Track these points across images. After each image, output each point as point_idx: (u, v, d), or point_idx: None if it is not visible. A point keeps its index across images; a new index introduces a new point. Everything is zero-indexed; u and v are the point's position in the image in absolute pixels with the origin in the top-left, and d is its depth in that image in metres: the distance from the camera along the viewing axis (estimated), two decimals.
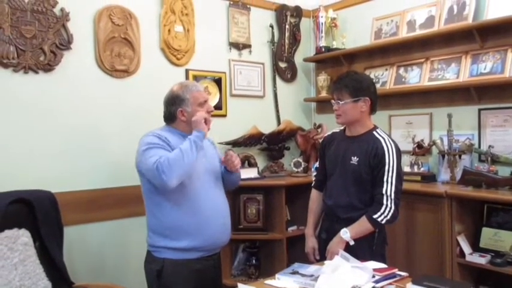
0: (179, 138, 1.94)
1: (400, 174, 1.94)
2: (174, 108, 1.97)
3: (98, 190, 2.54)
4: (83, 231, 2.49)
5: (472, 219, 2.50)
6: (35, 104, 2.37)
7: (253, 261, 3.15)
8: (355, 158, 1.99)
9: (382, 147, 1.94)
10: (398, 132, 3.09)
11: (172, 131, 1.99)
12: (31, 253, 1.99)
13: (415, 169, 2.83)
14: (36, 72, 2.37)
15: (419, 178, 2.79)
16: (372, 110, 2.03)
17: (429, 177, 2.78)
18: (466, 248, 2.40)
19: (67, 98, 2.48)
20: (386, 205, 1.90)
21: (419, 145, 2.83)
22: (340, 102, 2.00)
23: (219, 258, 2.10)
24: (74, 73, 2.50)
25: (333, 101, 2.05)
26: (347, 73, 2.12)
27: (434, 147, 2.80)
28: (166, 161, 1.77)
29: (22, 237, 1.96)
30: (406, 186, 2.64)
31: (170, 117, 2.01)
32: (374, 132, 2.01)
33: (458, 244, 2.40)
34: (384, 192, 1.91)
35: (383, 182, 1.91)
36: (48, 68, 2.41)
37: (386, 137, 1.99)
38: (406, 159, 2.92)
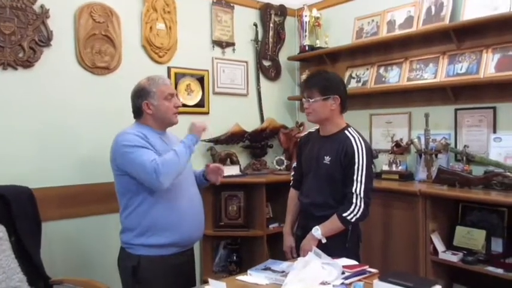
0: (154, 136, 1.95)
1: (370, 173, 1.97)
2: (140, 101, 1.97)
3: (76, 186, 2.56)
4: (61, 226, 2.50)
5: (446, 217, 2.53)
6: (14, 100, 2.38)
7: (234, 257, 3.18)
8: (328, 157, 2.02)
9: (352, 146, 1.97)
10: (378, 131, 3.13)
11: (144, 128, 1.98)
12: (5, 247, 2.00)
13: (393, 168, 2.87)
14: (15, 69, 2.38)
15: (397, 177, 2.83)
16: (342, 108, 2.06)
17: (407, 176, 2.82)
18: (440, 246, 2.44)
19: (47, 94, 2.48)
20: (356, 204, 1.93)
21: (398, 144, 2.87)
22: (310, 100, 2.02)
23: (192, 254, 2.12)
24: (53, 70, 2.51)
25: (303, 99, 2.08)
26: (317, 72, 2.15)
27: (412, 146, 2.84)
28: (163, 163, 1.79)
29: None
30: (383, 184, 2.73)
31: (137, 112, 2.01)
32: (346, 131, 2.04)
33: (432, 242, 2.44)
34: (353, 191, 1.93)
35: (353, 180, 1.94)
36: (27, 64, 2.41)
37: (356, 136, 2.01)
38: (384, 158, 2.97)
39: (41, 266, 2.16)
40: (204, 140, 3.13)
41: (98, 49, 2.65)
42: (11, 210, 2.07)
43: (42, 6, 2.45)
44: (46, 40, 2.47)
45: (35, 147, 2.45)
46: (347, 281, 1.62)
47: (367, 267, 1.76)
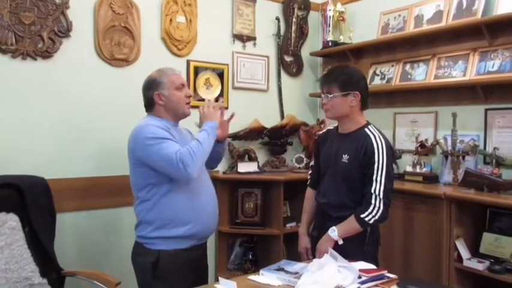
0: (172, 129, 1.91)
1: (390, 173, 1.87)
2: (151, 93, 1.95)
3: (92, 178, 2.55)
4: (76, 218, 2.51)
5: (472, 223, 2.41)
6: (32, 90, 2.38)
7: (250, 256, 3.14)
8: (346, 156, 1.93)
9: (372, 144, 1.88)
10: (402, 130, 3.01)
11: (158, 119, 1.94)
12: (19, 237, 2.01)
13: (417, 169, 2.75)
14: (35, 59, 2.39)
15: (421, 178, 2.71)
16: (363, 105, 1.97)
17: (431, 178, 2.69)
18: (464, 253, 2.31)
19: (65, 85, 2.48)
20: (375, 205, 1.84)
21: (422, 144, 2.75)
22: (329, 96, 1.94)
23: (206, 248, 2.09)
24: (72, 61, 2.50)
25: (322, 95, 2.00)
26: (337, 67, 2.07)
27: (437, 147, 2.72)
28: (187, 154, 1.76)
29: (10, 222, 1.97)
30: (406, 186, 2.62)
31: (149, 104, 1.98)
32: (365, 129, 1.94)
33: (457, 248, 2.32)
34: (372, 191, 1.85)
35: (372, 180, 1.85)
36: (46, 55, 2.41)
37: (377, 134, 1.92)
38: (408, 159, 2.86)
39: (53, 257, 2.15)
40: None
41: (117, 41, 2.64)
42: (25, 200, 2.06)
43: None
44: (65, 31, 2.47)
45: (52, 138, 2.45)
46: (363, 286, 1.55)
47: (385, 272, 1.68)
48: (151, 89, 1.95)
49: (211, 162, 2.17)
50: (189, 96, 1.99)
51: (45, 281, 2.06)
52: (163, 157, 1.77)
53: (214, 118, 1.93)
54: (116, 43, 2.64)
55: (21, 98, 2.35)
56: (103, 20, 2.58)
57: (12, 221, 1.99)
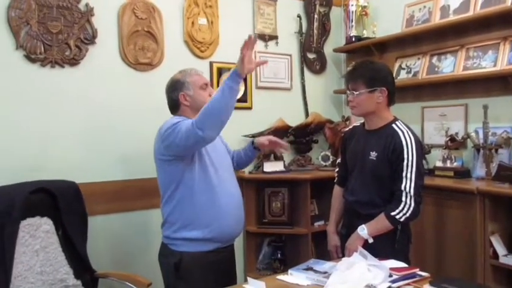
0: None
1: (420, 169, 1.83)
2: (176, 94, 1.97)
3: (120, 181, 2.59)
4: (107, 221, 2.56)
5: (508, 218, 2.32)
6: (61, 97, 2.45)
7: (279, 255, 3.12)
8: (374, 153, 1.90)
9: (401, 140, 1.83)
10: (431, 124, 2.93)
11: (182, 119, 1.95)
12: (53, 241, 2.07)
13: (448, 164, 2.67)
14: (62, 67, 2.45)
15: (452, 173, 2.63)
16: (390, 101, 1.92)
17: (463, 173, 2.61)
18: (501, 249, 2.23)
19: (92, 91, 2.54)
20: (405, 202, 1.80)
21: (452, 138, 2.67)
22: (355, 93, 1.91)
23: (233, 251, 2.09)
24: (98, 67, 2.55)
25: (347, 92, 1.97)
26: (362, 62, 2.02)
27: (469, 141, 2.63)
28: (201, 117, 1.70)
29: (44, 225, 2.04)
30: (436, 181, 2.55)
31: (174, 105, 2.00)
32: (393, 125, 1.90)
33: (492, 245, 2.24)
34: (402, 188, 1.81)
35: (402, 177, 1.81)
36: (73, 62, 2.47)
37: (405, 130, 1.88)
38: (438, 154, 2.78)
39: (86, 259, 2.21)
40: (247, 136, 3.09)
41: (140, 45, 2.68)
42: (58, 204, 2.12)
43: (87, 5, 2.50)
44: (91, 38, 2.52)
45: (81, 143, 2.51)
46: (394, 285, 1.51)
47: (417, 271, 1.64)
48: (176, 90, 1.97)
49: (241, 164, 2.18)
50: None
51: (79, 282, 2.12)
52: (183, 132, 1.75)
53: (243, 66, 1.74)
54: (140, 48, 2.68)
55: (50, 104, 2.42)
56: (127, 25, 2.63)
57: (46, 224, 2.05)
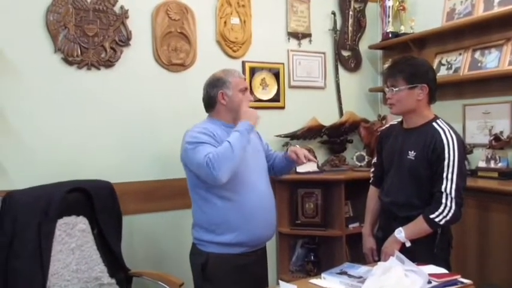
0: (223, 130, 1.92)
1: (462, 170, 1.73)
2: (215, 91, 1.96)
3: (154, 181, 2.62)
4: (141, 220, 2.59)
5: None
6: (97, 98, 2.50)
7: (312, 257, 3.07)
8: (412, 152, 1.82)
9: (442, 139, 1.75)
10: (473, 123, 2.79)
11: (215, 122, 1.97)
12: (88, 239, 2.11)
13: (492, 164, 2.53)
14: (98, 69, 2.50)
15: (496, 175, 2.49)
16: (431, 98, 1.83)
17: (508, 174, 2.46)
18: None
19: (126, 92, 2.58)
20: (446, 204, 1.71)
21: (497, 137, 2.53)
22: (394, 90, 1.83)
23: (263, 254, 2.06)
24: (132, 68, 2.59)
25: (386, 89, 1.89)
26: (402, 58, 1.94)
27: None
28: (216, 156, 1.73)
29: (80, 224, 2.08)
30: (479, 183, 2.42)
31: (210, 102, 1.99)
32: (433, 124, 1.82)
33: None
34: (443, 189, 1.72)
35: (442, 178, 1.72)
36: (109, 64, 2.52)
37: (447, 128, 1.78)
38: (481, 154, 2.64)
39: (121, 258, 2.24)
40: (280, 136, 3.06)
41: (173, 46, 2.69)
42: (93, 203, 2.16)
43: (121, 7, 2.54)
44: (125, 40, 2.56)
45: (116, 143, 2.55)
46: None
47: (458, 277, 1.56)
48: (215, 87, 1.96)
49: (280, 172, 2.15)
50: (250, 101, 2.00)
51: (113, 281, 2.15)
52: (196, 161, 1.78)
53: (253, 120, 1.87)
54: (173, 48, 2.70)
55: (87, 106, 2.47)
56: (160, 26, 2.65)
57: (82, 223, 2.09)
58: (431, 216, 1.73)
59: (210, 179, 1.77)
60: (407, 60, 1.91)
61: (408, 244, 1.79)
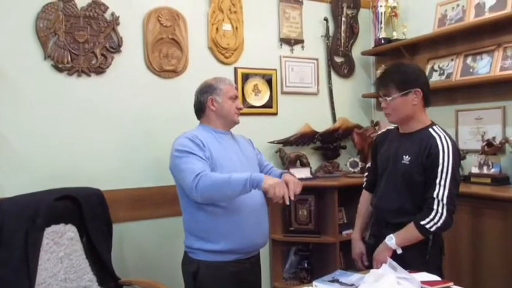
0: (213, 137, 1.92)
1: (456, 177, 1.72)
2: (205, 97, 1.97)
3: (146, 188, 2.59)
4: (131, 228, 2.56)
5: None
6: (88, 105, 2.47)
7: (305, 264, 3.04)
8: (407, 157, 1.80)
9: (437, 145, 1.73)
10: (466, 129, 2.79)
11: (206, 128, 1.97)
12: (77, 248, 2.07)
13: (485, 170, 2.53)
14: (89, 75, 2.48)
15: (489, 180, 2.49)
16: (426, 102, 1.83)
17: (501, 180, 2.46)
18: None
19: (117, 99, 2.56)
20: (437, 211, 1.70)
21: (489, 143, 2.52)
22: (388, 99, 1.82)
23: (257, 261, 2.03)
24: (123, 75, 2.57)
25: (380, 99, 1.88)
26: (392, 65, 1.94)
27: (507, 146, 2.48)
28: (207, 183, 1.70)
29: (68, 232, 2.05)
30: (472, 189, 2.41)
31: (200, 108, 2.00)
32: (430, 129, 1.81)
33: None
34: (435, 195, 1.70)
35: (435, 184, 1.71)
36: (99, 70, 2.50)
37: (443, 135, 1.77)
38: (473, 159, 2.64)
39: (111, 267, 2.20)
40: (273, 142, 3.04)
41: (165, 53, 2.68)
42: (82, 211, 2.13)
43: (112, 14, 2.53)
44: (116, 46, 2.54)
45: (106, 150, 2.52)
46: None
47: (451, 285, 1.54)
48: (206, 93, 1.98)
49: None
50: (240, 109, 2.01)
51: None
52: (183, 172, 1.78)
53: (273, 187, 1.66)
54: (165, 55, 2.68)
55: (77, 112, 2.44)
56: (151, 33, 2.64)
57: (70, 231, 2.06)
58: (422, 222, 1.71)
59: (190, 195, 1.77)
60: (397, 67, 1.91)
61: (399, 251, 1.77)
